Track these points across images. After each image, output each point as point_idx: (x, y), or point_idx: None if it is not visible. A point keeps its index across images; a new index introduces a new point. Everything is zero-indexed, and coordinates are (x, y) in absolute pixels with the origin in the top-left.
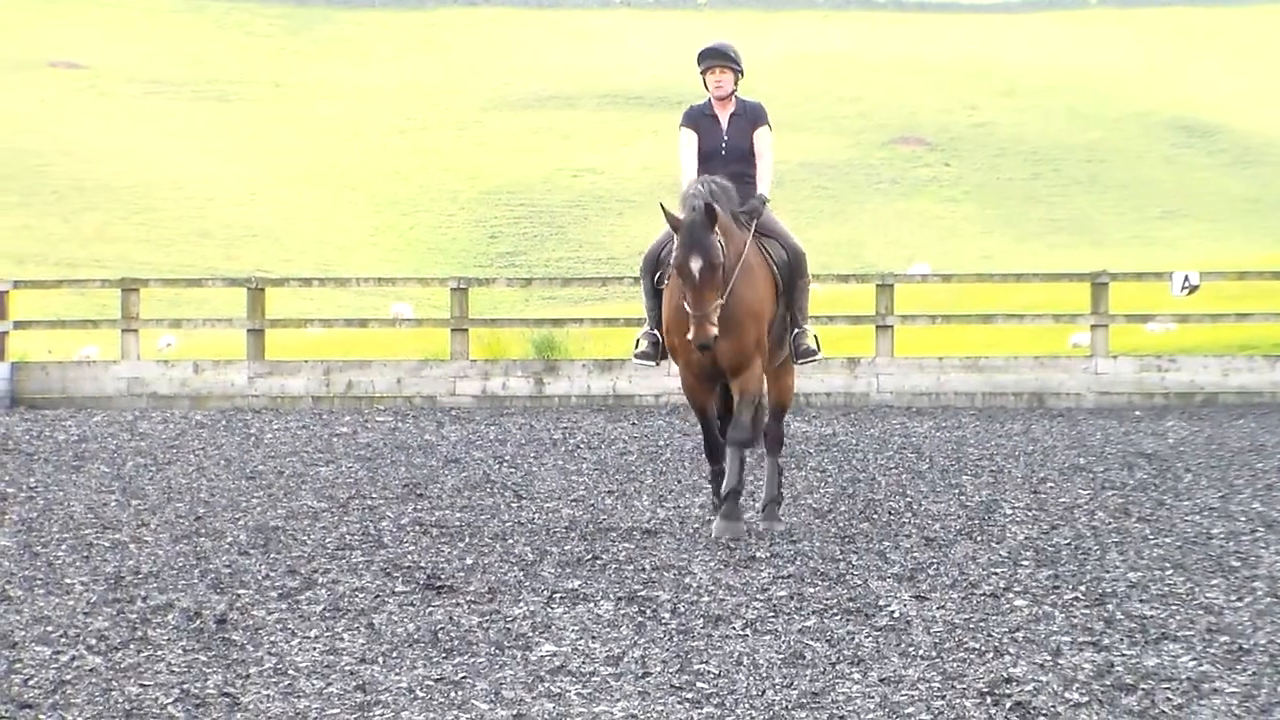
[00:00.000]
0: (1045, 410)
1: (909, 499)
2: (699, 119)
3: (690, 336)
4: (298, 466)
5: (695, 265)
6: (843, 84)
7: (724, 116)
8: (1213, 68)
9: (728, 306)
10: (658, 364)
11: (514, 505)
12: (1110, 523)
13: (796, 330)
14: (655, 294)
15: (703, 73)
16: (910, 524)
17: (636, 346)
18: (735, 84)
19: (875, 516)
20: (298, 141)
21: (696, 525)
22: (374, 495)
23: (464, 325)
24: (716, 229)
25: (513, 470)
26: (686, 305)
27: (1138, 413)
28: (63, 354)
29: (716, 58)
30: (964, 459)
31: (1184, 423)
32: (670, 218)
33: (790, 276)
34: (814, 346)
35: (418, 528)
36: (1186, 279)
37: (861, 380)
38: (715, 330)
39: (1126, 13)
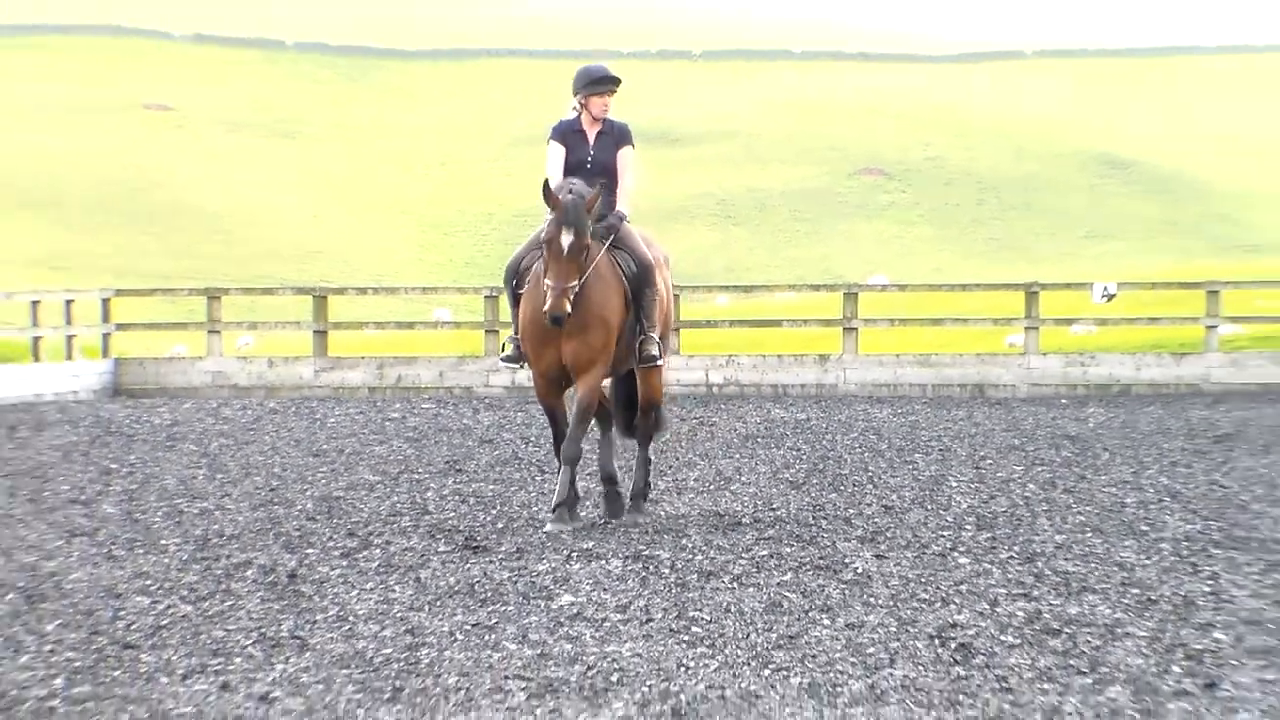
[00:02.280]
0: (985, 399)
1: (870, 473)
2: (567, 134)
3: (547, 307)
4: (355, 446)
5: (566, 240)
6: (815, 123)
7: (591, 134)
8: (1131, 110)
9: (579, 310)
10: (522, 366)
11: (538, 479)
12: (1040, 494)
13: (643, 336)
14: (516, 301)
15: (590, 95)
16: (871, 494)
17: (503, 350)
18: None
19: (842, 488)
20: (355, 173)
21: (692, 496)
22: (420, 470)
23: (495, 327)
24: (589, 215)
25: (536, 449)
26: (547, 280)
27: (1063, 401)
28: (156, 352)
29: (611, 82)
30: (916, 440)
31: (1102, 410)
32: (549, 195)
33: (639, 286)
34: (655, 353)
35: (457, 497)
36: (1105, 289)
37: (831, 374)
38: (570, 308)
39: (1058, 62)
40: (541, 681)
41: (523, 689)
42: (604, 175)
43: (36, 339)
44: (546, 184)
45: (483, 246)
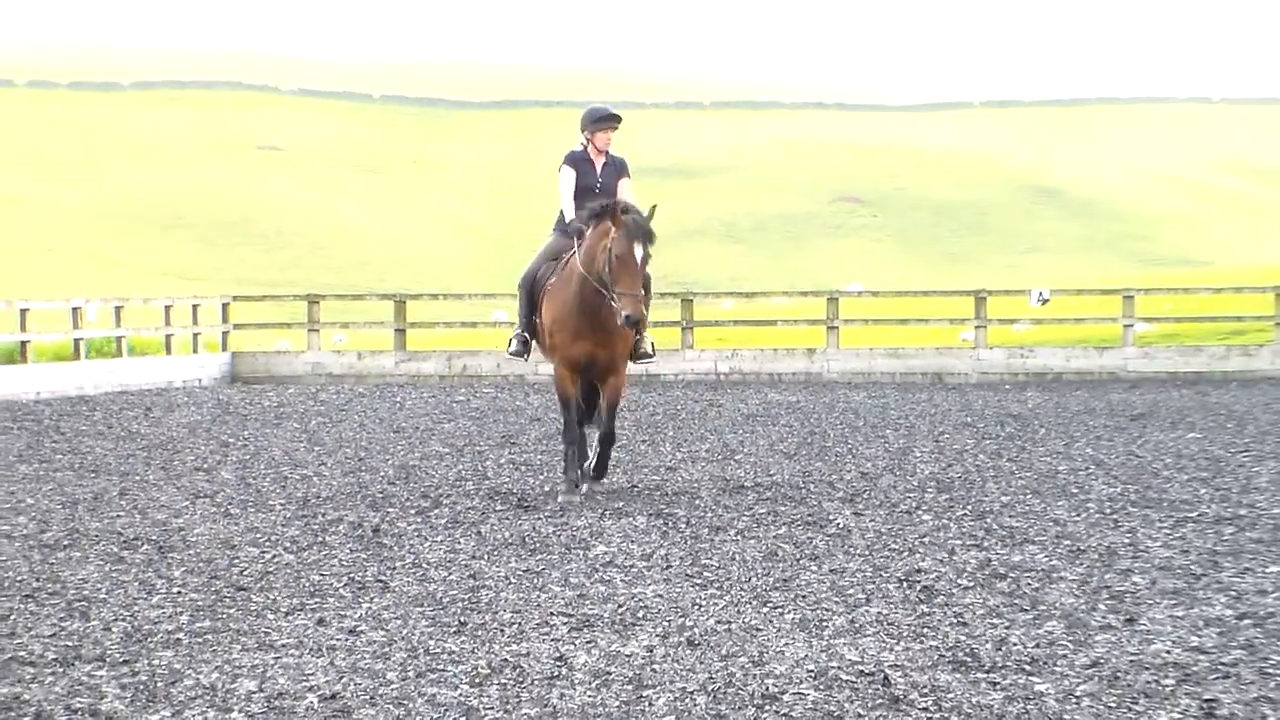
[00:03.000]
0: (943, 385)
1: (849, 445)
2: (578, 162)
3: (628, 311)
4: (428, 424)
5: (638, 252)
6: (802, 160)
7: (598, 163)
8: (1060, 148)
9: (603, 314)
10: (526, 359)
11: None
12: (988, 462)
13: (638, 337)
14: (531, 305)
15: (595, 130)
16: (850, 463)
17: (510, 345)
18: None
19: (826, 458)
20: (427, 201)
21: (704, 464)
22: (481, 443)
23: None
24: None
25: None
26: (619, 289)
27: (1007, 386)
28: (266, 347)
29: (613, 120)
30: (887, 418)
31: (1039, 393)
32: (614, 214)
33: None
34: (650, 351)
35: (511, 465)
36: (1041, 294)
37: (817, 364)
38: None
39: (1000, 110)
40: (580, 618)
41: (565, 623)
42: (608, 198)
43: (168, 336)
44: (594, 208)
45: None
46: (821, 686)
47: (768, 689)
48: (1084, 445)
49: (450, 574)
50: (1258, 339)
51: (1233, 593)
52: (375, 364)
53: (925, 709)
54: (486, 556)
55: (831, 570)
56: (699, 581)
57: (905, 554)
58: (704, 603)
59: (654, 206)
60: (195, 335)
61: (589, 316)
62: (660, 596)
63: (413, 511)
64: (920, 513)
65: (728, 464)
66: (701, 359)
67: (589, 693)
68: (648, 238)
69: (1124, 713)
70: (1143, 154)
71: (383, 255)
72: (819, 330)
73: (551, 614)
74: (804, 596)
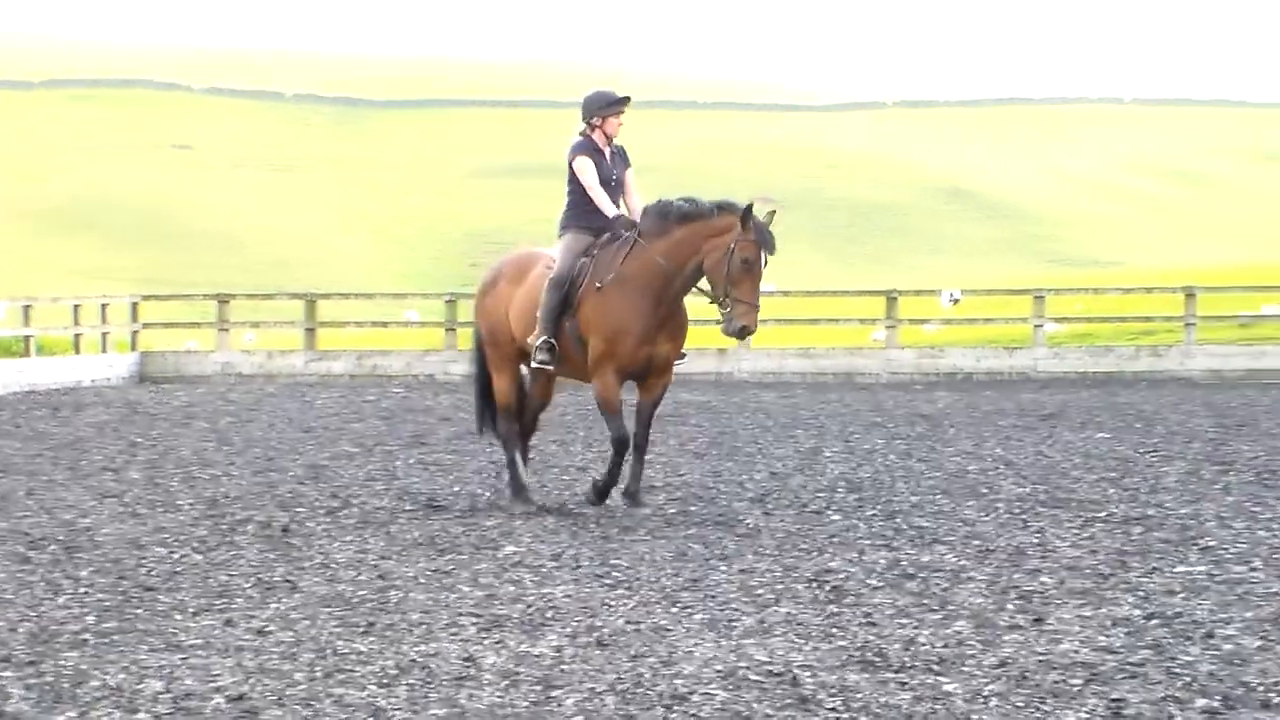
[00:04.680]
0: (854, 385)
1: (759, 445)
2: (592, 152)
3: (748, 323)
4: (338, 423)
5: (765, 260)
6: (719, 160)
7: (606, 153)
8: (971, 149)
9: (677, 315)
10: (555, 367)
11: (488, 450)
12: (898, 462)
13: None
14: (563, 307)
15: (607, 116)
16: (760, 462)
17: (537, 354)
18: None
19: (736, 457)
20: (339, 200)
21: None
22: (391, 443)
23: (453, 326)
24: None
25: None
26: (735, 293)
27: (917, 386)
28: (175, 346)
29: (625, 103)
30: (798, 418)
31: (949, 393)
32: (750, 217)
33: None
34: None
35: (421, 465)
36: (951, 294)
37: (728, 364)
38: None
39: (913, 111)
40: (489, 618)
41: (474, 624)
42: (618, 192)
43: (77, 335)
44: (700, 203)
45: (442, 260)
46: (730, 687)
47: (676, 689)
48: (993, 445)
49: (359, 574)
50: (1167, 339)
51: (1140, 593)
52: (285, 363)
53: (834, 709)
54: (395, 556)
55: (741, 570)
56: (608, 582)
57: (815, 554)
58: (613, 603)
59: (773, 212)
60: (104, 335)
61: (662, 318)
62: (569, 597)
63: (322, 511)
64: (830, 513)
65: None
66: None
67: (497, 693)
68: (774, 247)
69: (1032, 712)
70: (1054, 155)
71: (294, 254)
72: None
73: (460, 614)
74: (713, 597)
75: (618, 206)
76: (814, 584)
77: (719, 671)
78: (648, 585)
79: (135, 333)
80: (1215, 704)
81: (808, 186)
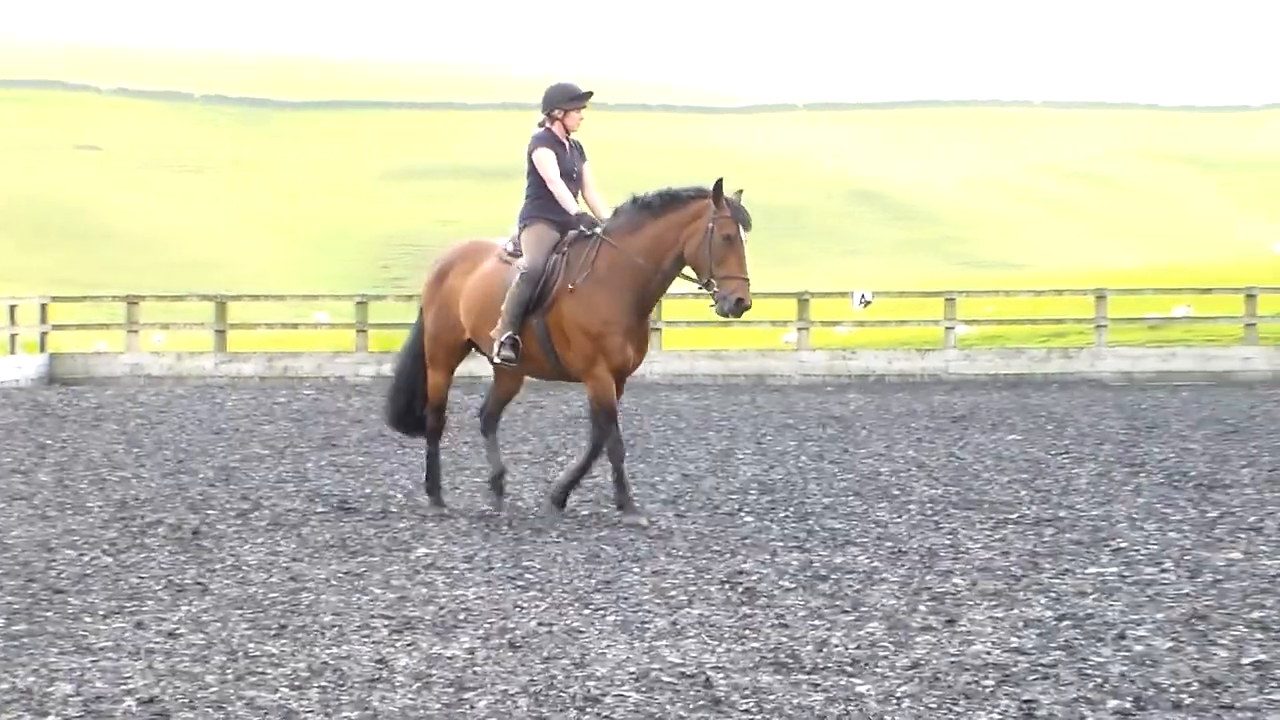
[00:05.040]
0: (765, 387)
1: (671, 447)
2: (555, 144)
3: (741, 296)
4: (248, 425)
5: (744, 235)
6: (628, 162)
7: (567, 145)
8: (881, 151)
9: (644, 323)
10: (518, 365)
11: (399, 452)
12: (810, 464)
13: None
14: (537, 302)
15: (569, 109)
16: (672, 464)
17: (500, 351)
18: None
19: (648, 459)
20: (249, 202)
21: (526, 466)
22: (302, 445)
23: (364, 327)
24: None
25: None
26: (722, 272)
27: (829, 388)
28: (85, 348)
29: (587, 97)
30: (710, 420)
31: (861, 395)
32: (722, 198)
33: None
34: None
35: (332, 467)
36: (863, 296)
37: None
38: None
39: (823, 113)
40: (401, 620)
41: (386, 626)
42: (577, 185)
43: None
44: (666, 192)
45: (353, 262)
46: (643, 688)
47: (589, 691)
48: (905, 447)
49: (270, 576)
50: (1078, 341)
51: (1052, 594)
52: (195, 365)
53: (747, 710)
54: (307, 559)
55: (654, 572)
56: (521, 583)
57: (727, 556)
58: (526, 605)
59: (740, 191)
60: (13, 336)
61: (641, 313)
62: (482, 598)
63: (232, 514)
64: (742, 514)
65: (550, 466)
66: None
67: (410, 695)
68: (749, 222)
69: (944, 713)
70: (964, 157)
71: (203, 256)
72: None
73: (372, 616)
74: (626, 598)
75: (576, 201)
76: (727, 586)
77: (632, 673)
78: (560, 587)
79: (44, 334)
80: (1127, 705)
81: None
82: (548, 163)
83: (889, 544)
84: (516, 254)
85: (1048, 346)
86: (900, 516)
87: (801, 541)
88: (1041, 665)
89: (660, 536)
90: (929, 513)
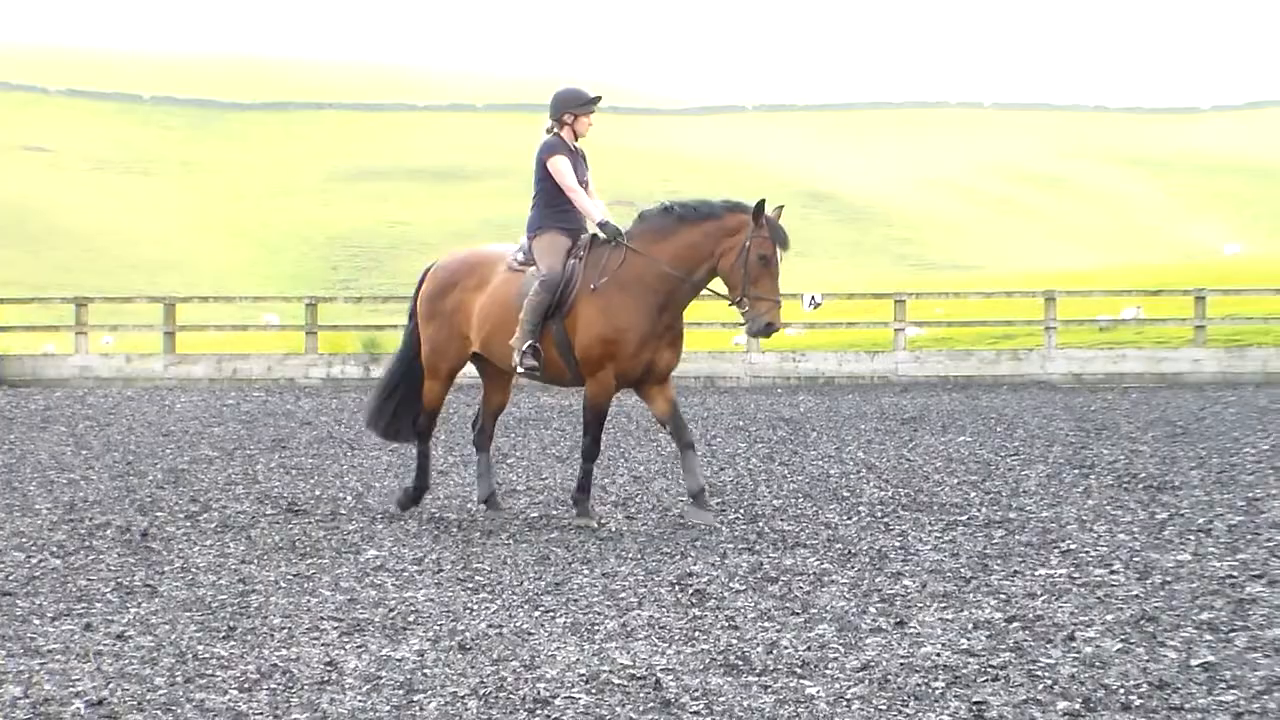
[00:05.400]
0: (715, 389)
1: (621, 449)
2: (567, 151)
3: (771, 320)
4: (198, 427)
5: (780, 256)
6: None
7: (576, 151)
8: (830, 153)
9: (678, 323)
10: (540, 373)
11: (349, 454)
12: (760, 466)
13: None
14: (555, 308)
15: (579, 115)
16: (622, 467)
17: (523, 360)
18: None
19: (598, 462)
20: (198, 202)
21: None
22: (251, 447)
23: (314, 329)
24: None
25: (348, 430)
26: (756, 291)
27: (779, 390)
28: (33, 349)
29: (596, 102)
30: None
31: (811, 397)
32: (761, 215)
33: None
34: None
35: (281, 469)
36: (813, 298)
37: None
38: None
39: (772, 115)
40: (351, 622)
41: (335, 628)
42: (587, 192)
43: None
44: (704, 204)
45: (303, 263)
46: (593, 690)
47: (539, 693)
48: (855, 449)
49: (219, 578)
50: (1027, 343)
51: (1002, 595)
52: (144, 367)
53: (696, 712)
54: (256, 561)
55: (604, 574)
56: (470, 585)
57: (677, 558)
58: (475, 607)
59: (780, 207)
60: None
61: (665, 325)
62: (431, 600)
63: (181, 516)
64: (684, 503)
65: (500, 467)
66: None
67: (359, 697)
68: (788, 243)
69: (894, 715)
70: (914, 159)
71: (152, 257)
72: None
73: (322, 618)
74: (576, 600)
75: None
76: (676, 587)
77: (582, 675)
78: (510, 589)
79: None
80: (1076, 706)
81: (666, 191)
82: (565, 171)
83: (839, 546)
84: (528, 263)
85: (997, 348)
86: (850, 518)
87: (751, 543)
88: (991, 667)
89: (610, 539)
90: (879, 515)
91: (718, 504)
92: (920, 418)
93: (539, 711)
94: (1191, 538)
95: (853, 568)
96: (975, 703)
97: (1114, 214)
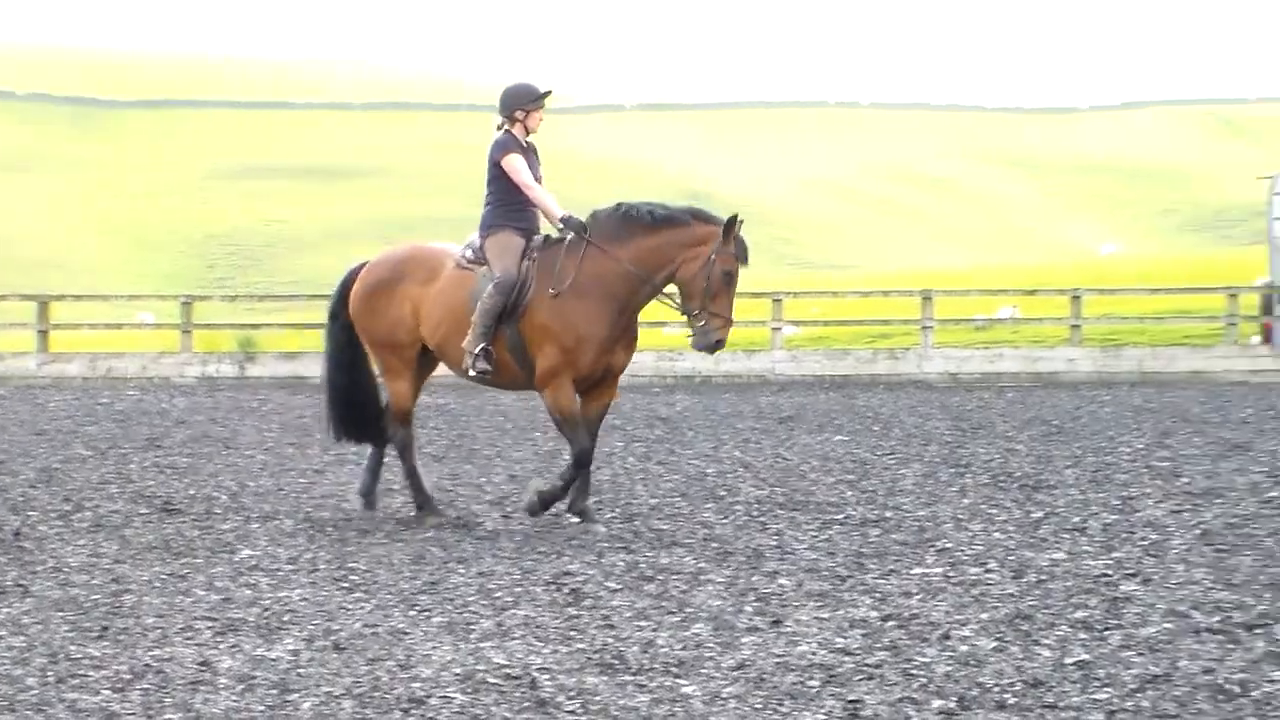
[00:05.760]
0: None
1: (498, 448)
2: (520, 148)
3: (721, 337)
4: (71, 426)
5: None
6: (450, 162)
7: (528, 148)
8: (710, 151)
9: (633, 325)
10: (492, 375)
11: (224, 453)
12: (637, 465)
13: None
14: (510, 311)
15: (531, 110)
16: (499, 466)
17: (475, 363)
18: None
19: (475, 460)
20: (75, 200)
21: (351, 467)
22: (125, 445)
23: (189, 328)
24: None
25: (222, 429)
26: (713, 307)
27: (656, 390)
28: None
29: (546, 97)
30: (535, 421)
31: (687, 397)
32: (731, 227)
33: None
34: None
35: (156, 468)
36: None
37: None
38: None
39: (652, 114)
40: (225, 621)
41: (209, 628)
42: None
43: None
44: (686, 210)
45: (179, 261)
46: (468, 690)
47: (414, 693)
48: (732, 448)
49: (92, 578)
50: (904, 342)
51: (878, 594)
52: (17, 366)
53: (572, 712)
54: (130, 560)
55: (480, 573)
56: (345, 585)
57: (553, 557)
58: (350, 606)
59: (741, 221)
60: None
61: (624, 324)
62: (306, 600)
63: (54, 515)
64: (569, 515)
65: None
66: None
67: (233, 697)
68: (748, 259)
69: (770, 714)
70: (792, 158)
71: (27, 255)
72: None
73: (196, 618)
74: (451, 600)
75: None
76: (552, 587)
77: (457, 675)
78: (385, 589)
79: None
80: (951, 705)
81: (548, 189)
82: (521, 168)
83: (715, 545)
84: (477, 261)
85: (874, 348)
86: (726, 517)
87: (628, 542)
88: (867, 665)
89: (486, 538)
90: (755, 513)
91: (594, 503)
92: (797, 417)
93: (414, 711)
94: (1066, 536)
95: (729, 567)
96: (850, 701)
97: (992, 214)
